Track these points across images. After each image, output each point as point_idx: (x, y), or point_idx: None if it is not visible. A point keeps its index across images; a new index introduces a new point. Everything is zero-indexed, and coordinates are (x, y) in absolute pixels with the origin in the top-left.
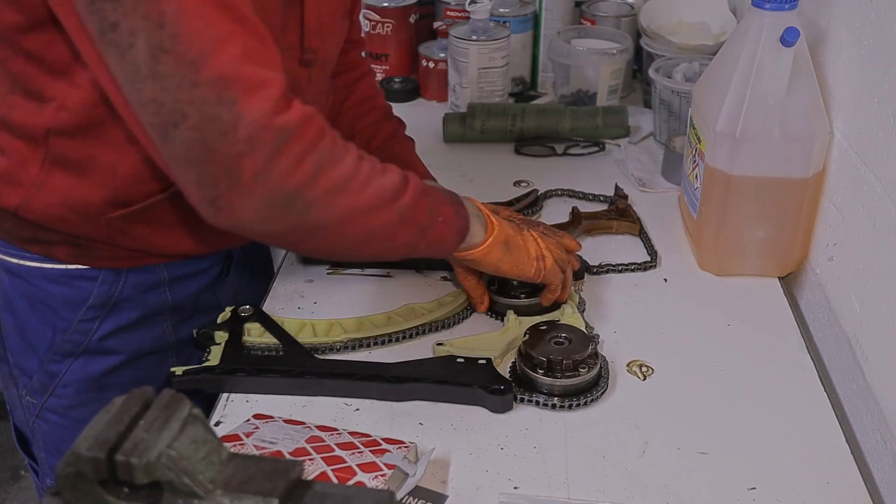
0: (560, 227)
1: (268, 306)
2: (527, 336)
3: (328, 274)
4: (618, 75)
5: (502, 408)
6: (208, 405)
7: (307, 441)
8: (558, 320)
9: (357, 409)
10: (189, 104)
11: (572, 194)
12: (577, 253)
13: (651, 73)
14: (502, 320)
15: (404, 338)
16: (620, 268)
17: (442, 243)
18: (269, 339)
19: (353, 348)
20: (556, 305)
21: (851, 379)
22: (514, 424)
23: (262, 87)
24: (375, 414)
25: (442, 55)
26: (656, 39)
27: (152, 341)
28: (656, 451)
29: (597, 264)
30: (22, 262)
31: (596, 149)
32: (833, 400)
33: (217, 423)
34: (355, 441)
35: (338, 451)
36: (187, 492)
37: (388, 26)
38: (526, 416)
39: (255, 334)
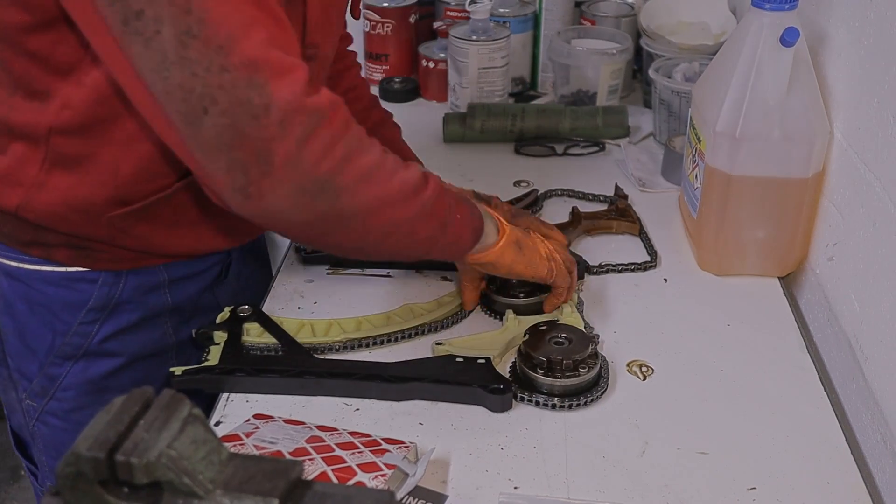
0: (560, 227)
1: (268, 306)
2: (527, 336)
3: (328, 274)
4: (618, 75)
5: (501, 407)
6: (208, 405)
7: (307, 441)
8: (557, 320)
9: (357, 409)
10: (219, 89)
11: (572, 194)
12: (578, 253)
13: (651, 73)
14: (501, 320)
15: (403, 338)
16: (620, 268)
17: (458, 242)
18: (269, 339)
19: (353, 348)
20: None
21: (851, 379)
22: (513, 424)
23: (290, 72)
24: (375, 414)
25: (442, 55)
26: (656, 39)
27: (153, 343)
28: (656, 451)
29: (597, 264)
30: (21, 265)
31: (596, 149)
32: (833, 400)
33: (217, 423)
34: (355, 441)
35: (338, 451)
36: (187, 492)
37: (388, 26)
38: (526, 416)
39: (254, 334)
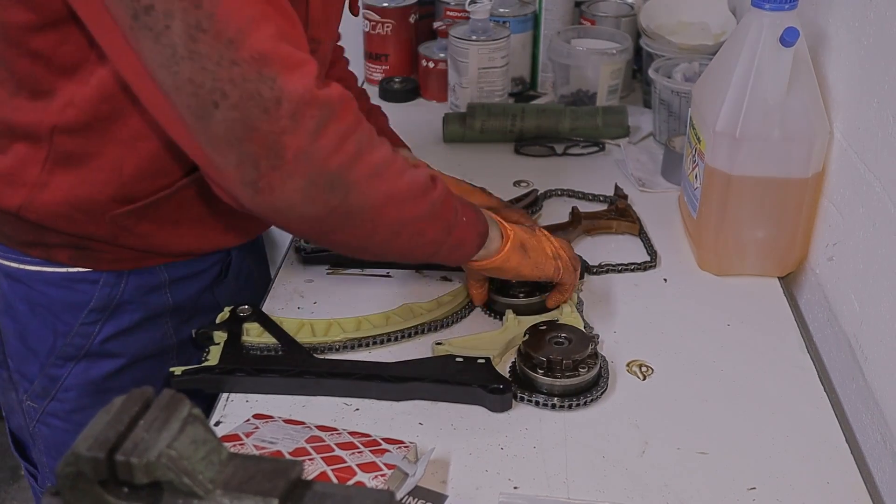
0: (560, 227)
1: (268, 306)
2: (526, 336)
3: (328, 274)
4: (617, 75)
5: (501, 407)
6: (208, 405)
7: (307, 441)
8: (557, 320)
9: (357, 409)
10: (229, 82)
11: (572, 194)
12: (577, 253)
13: (651, 73)
14: (501, 319)
15: (403, 337)
16: (620, 268)
17: (463, 245)
18: (268, 339)
19: (352, 348)
20: None
21: (851, 379)
22: (513, 424)
23: (301, 65)
24: (375, 414)
25: (442, 55)
26: (656, 39)
27: (153, 343)
28: (656, 451)
29: (596, 264)
30: (22, 266)
31: (596, 149)
32: (833, 400)
33: (217, 423)
34: (355, 441)
35: (338, 451)
36: (187, 492)
37: (387, 26)
38: (526, 416)
39: (253, 334)
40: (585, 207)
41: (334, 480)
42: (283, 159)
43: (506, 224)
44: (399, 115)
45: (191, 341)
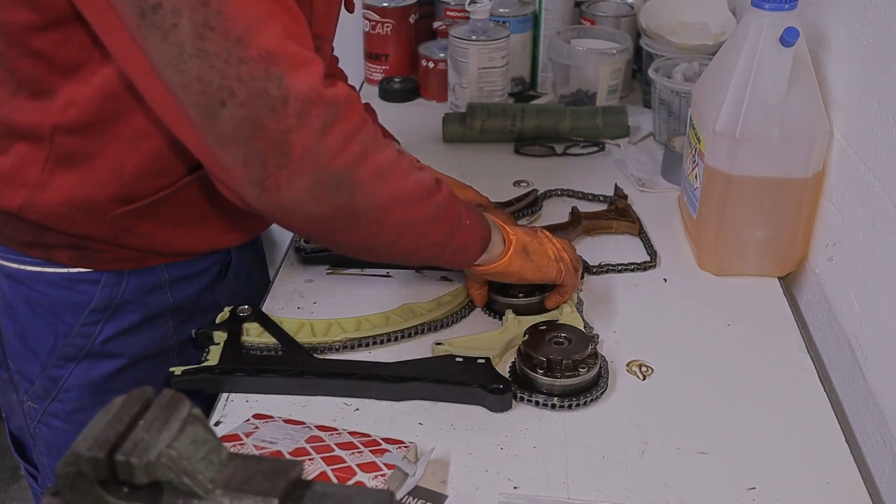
0: (560, 227)
1: (267, 306)
2: (526, 336)
3: (328, 274)
4: (617, 75)
5: (501, 407)
6: (208, 405)
7: (307, 441)
8: (557, 320)
9: (357, 409)
10: (237, 81)
11: (572, 194)
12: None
13: (651, 73)
14: (501, 319)
15: (403, 337)
16: (620, 268)
17: (466, 249)
18: (268, 339)
19: (352, 348)
20: None
21: (851, 379)
22: (513, 424)
23: (307, 64)
24: (375, 414)
25: (442, 55)
26: (656, 39)
27: (154, 343)
28: (656, 451)
29: (596, 264)
30: (22, 266)
31: (596, 149)
32: (833, 400)
33: (217, 423)
34: (355, 441)
35: (337, 451)
36: (187, 492)
37: (387, 26)
38: (525, 416)
39: (253, 334)
40: (585, 207)
41: (334, 480)
42: (290, 158)
43: (508, 228)
44: (399, 115)
45: (191, 341)
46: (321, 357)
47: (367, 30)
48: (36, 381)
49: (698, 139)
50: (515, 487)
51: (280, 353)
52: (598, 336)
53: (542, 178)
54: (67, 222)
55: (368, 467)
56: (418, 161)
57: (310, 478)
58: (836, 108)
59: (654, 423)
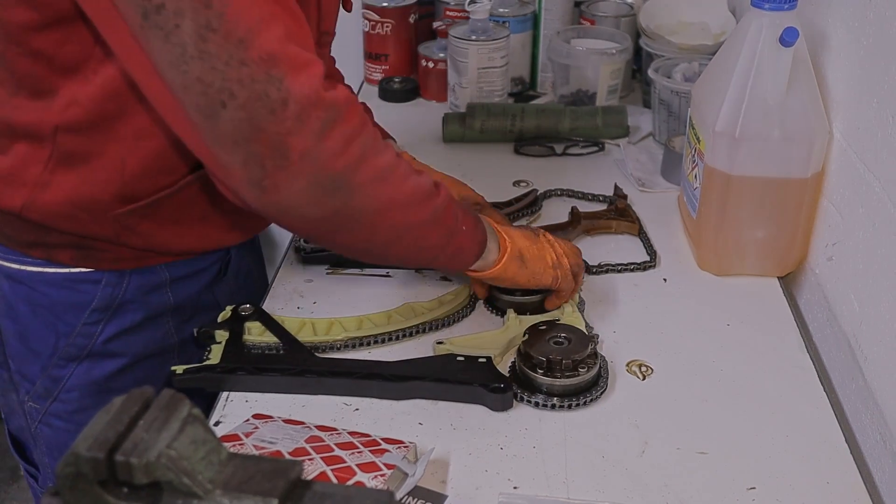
0: (560, 227)
1: (267, 306)
2: (526, 336)
3: (328, 274)
4: (617, 75)
5: (502, 406)
6: (208, 405)
7: (307, 441)
8: (558, 320)
9: (357, 409)
10: (237, 83)
11: (572, 194)
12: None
13: (650, 73)
14: (502, 317)
15: (404, 336)
16: (620, 268)
17: (462, 254)
18: (270, 338)
19: (353, 347)
20: None
21: (851, 379)
22: (513, 424)
23: (307, 67)
24: (375, 414)
25: (441, 55)
26: (656, 39)
27: (155, 343)
28: (656, 451)
29: (596, 264)
30: (23, 267)
31: (595, 149)
32: (832, 400)
33: (217, 423)
34: (355, 441)
35: (337, 451)
36: (187, 492)
37: (387, 26)
38: (525, 416)
39: (255, 333)
40: (585, 207)
41: (334, 480)
42: (289, 160)
43: (504, 234)
44: (399, 115)
45: (192, 340)
46: (322, 356)
47: (366, 30)
48: (37, 382)
49: (698, 139)
50: (515, 487)
51: (281, 352)
52: (597, 336)
53: (542, 178)
54: (69, 222)
55: (368, 467)
56: (417, 161)
57: (309, 478)
58: (836, 108)
59: (654, 423)
